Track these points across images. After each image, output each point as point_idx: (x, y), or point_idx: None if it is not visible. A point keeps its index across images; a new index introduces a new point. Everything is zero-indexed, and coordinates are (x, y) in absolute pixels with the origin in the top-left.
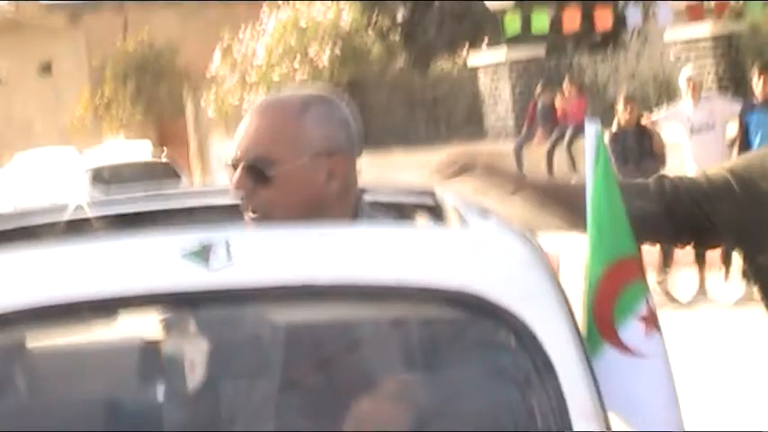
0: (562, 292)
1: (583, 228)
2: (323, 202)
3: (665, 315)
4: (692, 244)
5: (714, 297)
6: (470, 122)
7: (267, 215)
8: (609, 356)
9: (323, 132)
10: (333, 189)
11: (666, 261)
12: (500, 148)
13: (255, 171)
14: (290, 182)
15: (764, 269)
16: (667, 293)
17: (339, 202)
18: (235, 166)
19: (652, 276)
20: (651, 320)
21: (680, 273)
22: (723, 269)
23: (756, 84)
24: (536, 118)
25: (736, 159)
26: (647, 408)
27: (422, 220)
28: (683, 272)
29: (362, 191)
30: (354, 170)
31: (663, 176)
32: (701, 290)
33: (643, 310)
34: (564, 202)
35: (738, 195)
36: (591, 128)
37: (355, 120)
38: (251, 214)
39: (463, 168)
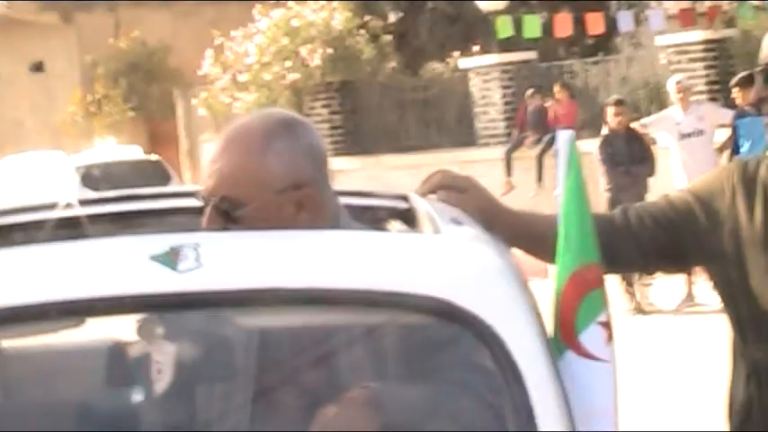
0: (533, 300)
1: (554, 261)
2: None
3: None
4: (662, 270)
5: (701, 303)
6: (461, 125)
7: None
8: (569, 360)
9: (287, 167)
10: (303, 220)
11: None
12: (490, 152)
13: (222, 212)
14: (259, 219)
15: (726, 285)
16: (647, 302)
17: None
18: (204, 205)
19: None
20: (610, 327)
21: (668, 279)
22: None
23: (736, 96)
24: (526, 122)
25: (697, 180)
26: (598, 411)
27: (394, 226)
28: (671, 278)
29: (341, 208)
30: (327, 193)
31: (627, 207)
32: (689, 296)
33: (604, 317)
34: (534, 239)
35: (698, 215)
36: (564, 135)
37: (320, 140)
38: None
39: (440, 186)
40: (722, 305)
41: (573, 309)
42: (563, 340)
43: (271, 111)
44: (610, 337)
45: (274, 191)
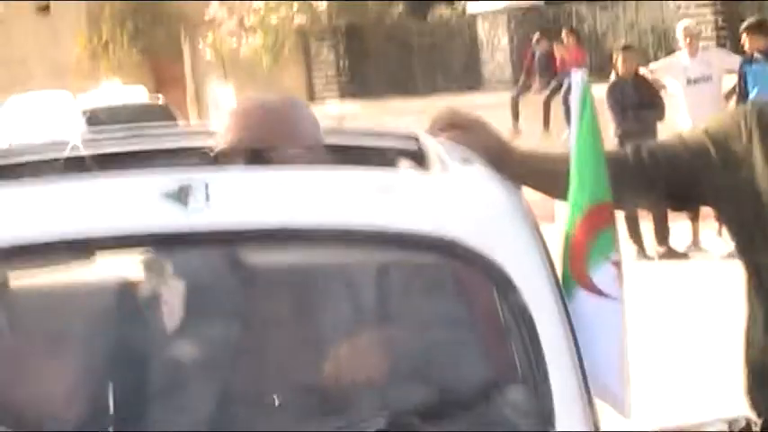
0: (542, 240)
1: (565, 197)
2: None
3: (661, 266)
4: (673, 207)
5: (707, 249)
6: (468, 70)
7: None
8: (580, 298)
9: (311, 127)
10: None
11: (662, 217)
12: (497, 97)
13: (255, 156)
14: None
15: (742, 229)
16: (667, 245)
17: None
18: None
19: (648, 226)
20: (620, 266)
21: (675, 225)
22: (717, 223)
23: (744, 41)
24: (534, 67)
25: (711, 120)
26: (607, 347)
27: (403, 165)
28: (678, 224)
29: None
30: None
31: (640, 144)
32: (695, 241)
33: (614, 256)
34: (545, 176)
35: (713, 155)
36: (577, 76)
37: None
38: None
39: (449, 124)
40: (736, 248)
41: (585, 246)
42: (574, 278)
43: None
44: (620, 277)
45: (304, 144)
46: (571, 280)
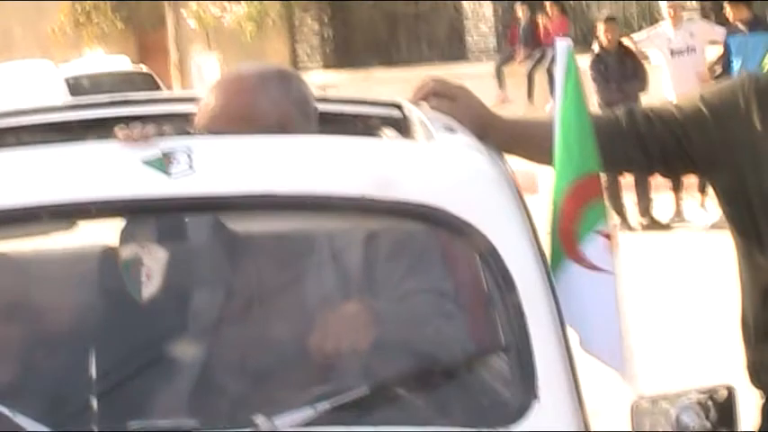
0: (526, 209)
1: (550, 162)
2: None
3: (643, 237)
4: (663, 172)
5: (690, 220)
6: (452, 40)
7: None
8: (572, 272)
9: (275, 108)
10: None
11: (645, 188)
12: (481, 68)
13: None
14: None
15: (732, 196)
16: (650, 216)
17: None
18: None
19: (631, 197)
20: (611, 237)
21: (658, 196)
22: (700, 194)
23: (727, 12)
24: (518, 37)
25: (707, 88)
26: (603, 320)
27: (387, 133)
28: (661, 195)
29: None
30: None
31: (633, 107)
32: (678, 213)
33: (605, 227)
34: (532, 143)
35: (710, 123)
36: (562, 45)
37: (312, 96)
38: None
39: (433, 93)
40: (726, 217)
41: (574, 219)
42: (565, 251)
43: (264, 64)
44: (612, 248)
45: (259, 128)
46: (562, 254)
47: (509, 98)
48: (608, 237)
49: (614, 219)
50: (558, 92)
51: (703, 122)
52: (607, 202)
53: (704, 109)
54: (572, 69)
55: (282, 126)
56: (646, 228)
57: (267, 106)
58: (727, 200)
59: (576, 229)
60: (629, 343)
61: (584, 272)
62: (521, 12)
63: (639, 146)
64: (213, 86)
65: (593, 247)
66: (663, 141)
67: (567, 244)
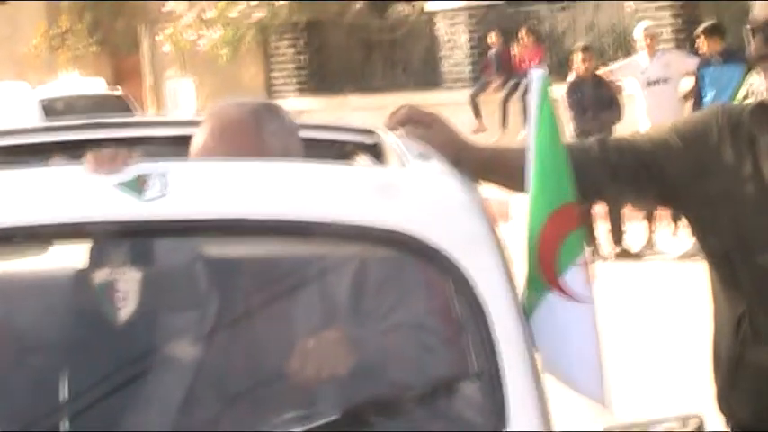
0: (498, 237)
1: (524, 190)
2: None
3: (615, 266)
4: (634, 203)
5: (662, 250)
6: (427, 68)
7: None
8: (553, 302)
9: (281, 144)
10: None
11: (618, 217)
12: (455, 96)
13: None
14: None
15: (705, 226)
16: (622, 246)
17: None
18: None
19: (604, 227)
20: (589, 268)
21: (630, 225)
22: (672, 223)
23: (701, 44)
24: (491, 66)
25: (679, 119)
26: (582, 350)
27: (361, 160)
28: (633, 224)
29: None
30: None
31: (605, 137)
32: (650, 242)
33: (583, 257)
34: (505, 170)
35: (681, 153)
36: (537, 74)
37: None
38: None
39: (406, 121)
40: (701, 246)
41: (554, 250)
42: (545, 282)
43: (245, 99)
44: (589, 278)
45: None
46: (542, 284)
47: (485, 127)
48: (586, 266)
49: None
50: (533, 121)
51: (675, 153)
52: (583, 231)
53: (676, 139)
54: (546, 98)
55: (289, 156)
56: (618, 257)
57: (273, 144)
58: (700, 230)
59: (557, 259)
60: (605, 372)
61: (565, 302)
62: (494, 39)
63: (610, 176)
64: (211, 135)
65: (574, 278)
66: (634, 172)
67: (547, 274)
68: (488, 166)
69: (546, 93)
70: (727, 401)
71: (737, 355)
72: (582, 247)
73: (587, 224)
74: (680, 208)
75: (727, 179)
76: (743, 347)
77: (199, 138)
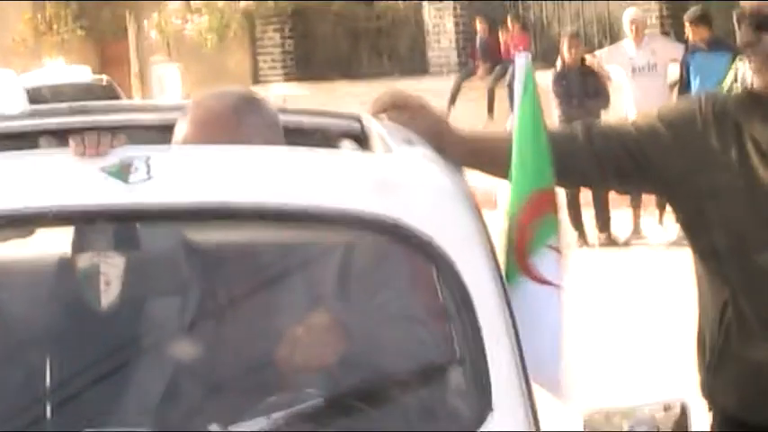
0: (483, 224)
1: (507, 177)
2: None
3: (601, 253)
4: (618, 189)
5: (648, 237)
6: (413, 54)
7: None
8: (522, 286)
9: (260, 138)
10: None
11: (603, 204)
12: (442, 82)
13: None
14: None
15: (690, 214)
16: (608, 233)
17: None
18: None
19: (589, 214)
20: (561, 251)
21: (616, 213)
22: (658, 211)
23: (688, 32)
24: (477, 53)
25: (665, 106)
26: (545, 335)
27: (346, 145)
28: (620, 212)
29: None
30: None
31: (591, 123)
32: (636, 230)
33: (556, 241)
34: (489, 156)
35: (667, 140)
36: (521, 59)
37: (275, 111)
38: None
39: (391, 106)
40: (684, 232)
41: (527, 232)
42: (517, 265)
43: (228, 89)
44: (561, 262)
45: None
46: (514, 267)
47: (455, 116)
48: (559, 251)
49: (572, 234)
50: (516, 105)
51: (660, 140)
52: (560, 217)
53: (661, 126)
54: (530, 83)
55: None
56: (603, 244)
57: (252, 138)
58: (685, 219)
59: (529, 243)
60: (567, 360)
61: (532, 286)
62: (480, 26)
63: (594, 162)
64: (191, 128)
65: (544, 262)
66: (618, 158)
67: (519, 257)
68: (472, 152)
69: (529, 78)
70: (710, 389)
71: (721, 344)
72: (555, 232)
73: (574, 211)
74: (666, 196)
75: (713, 169)
76: (726, 336)
77: (181, 128)
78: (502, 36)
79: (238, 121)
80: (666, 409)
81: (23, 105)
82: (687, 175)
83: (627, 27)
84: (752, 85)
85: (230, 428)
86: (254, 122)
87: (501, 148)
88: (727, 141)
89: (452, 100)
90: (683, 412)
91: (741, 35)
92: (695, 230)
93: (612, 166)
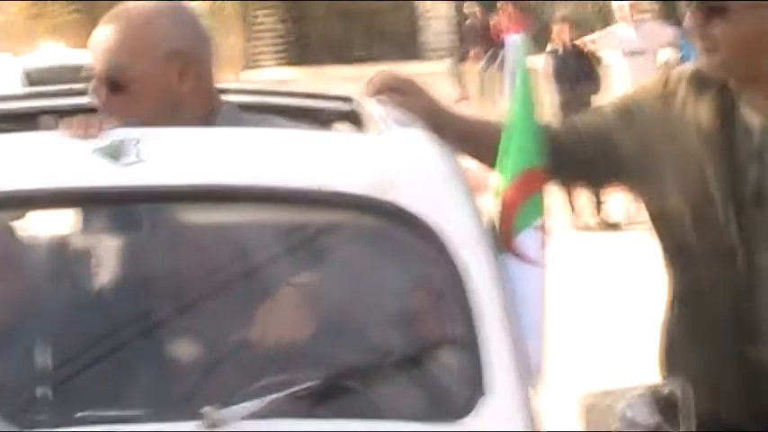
0: (476, 205)
1: (493, 166)
2: (176, 102)
3: (594, 236)
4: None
5: (641, 220)
6: (408, 38)
7: (122, 120)
8: (505, 264)
9: (168, 35)
10: (186, 89)
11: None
12: (435, 66)
13: (110, 80)
14: (143, 85)
15: (655, 204)
16: (601, 216)
17: (193, 101)
18: (91, 78)
19: (583, 197)
20: (545, 231)
21: (610, 197)
22: None
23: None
24: (470, 36)
25: (637, 87)
26: (525, 317)
27: (338, 127)
28: (612, 195)
29: (221, 91)
30: (209, 72)
31: (572, 120)
32: (628, 213)
33: (541, 221)
34: (480, 141)
35: (626, 128)
36: (513, 39)
37: (205, 30)
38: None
39: (384, 88)
40: (651, 219)
41: (513, 212)
42: (502, 244)
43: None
44: (545, 242)
45: (158, 56)
46: (498, 245)
47: (468, 96)
48: (544, 230)
49: (567, 216)
50: (508, 85)
51: (628, 121)
52: (558, 201)
53: (630, 106)
54: (522, 63)
55: (176, 48)
56: (597, 227)
57: (157, 33)
58: (649, 206)
59: (515, 222)
60: (545, 342)
61: (516, 265)
62: (474, 9)
63: (567, 158)
64: (107, 20)
65: (528, 240)
66: (585, 153)
67: (504, 235)
68: (464, 136)
69: (522, 58)
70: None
71: (672, 331)
72: (540, 211)
73: (569, 193)
74: (629, 181)
75: (666, 150)
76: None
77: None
78: (494, 18)
79: (148, 18)
80: (662, 389)
81: (19, 85)
82: (644, 160)
83: (619, 11)
84: (696, 64)
85: (224, 412)
86: (167, 20)
87: (492, 135)
88: (672, 120)
89: (459, 82)
90: (678, 393)
91: (689, 18)
92: (656, 217)
93: (580, 158)
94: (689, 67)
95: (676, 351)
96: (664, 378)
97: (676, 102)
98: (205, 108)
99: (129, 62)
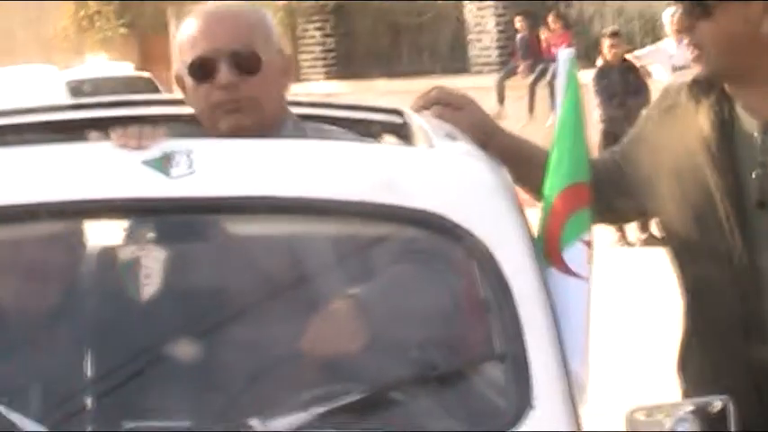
0: (525, 219)
1: (535, 196)
2: (280, 97)
3: (642, 252)
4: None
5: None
6: (454, 52)
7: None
8: (550, 277)
9: (276, 34)
10: (285, 86)
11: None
12: (483, 80)
13: (243, 62)
14: (272, 71)
15: (670, 231)
16: (649, 232)
17: (281, 98)
18: (203, 64)
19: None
20: (591, 246)
21: None
22: None
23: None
24: (518, 51)
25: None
26: (570, 330)
27: (388, 140)
28: None
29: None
30: None
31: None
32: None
33: (587, 235)
34: (526, 164)
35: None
36: (564, 54)
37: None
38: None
39: (436, 101)
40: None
41: (560, 225)
42: (547, 256)
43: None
44: (590, 257)
45: (277, 48)
46: (544, 258)
47: (506, 116)
48: (589, 245)
49: (613, 233)
50: (559, 100)
51: (636, 142)
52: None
53: (640, 126)
54: (573, 79)
55: (280, 50)
56: (644, 243)
57: (272, 27)
58: (664, 225)
59: (561, 235)
60: (588, 354)
61: (562, 278)
62: (519, 25)
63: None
64: (208, 17)
65: (574, 254)
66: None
67: (550, 248)
68: (513, 155)
69: (573, 73)
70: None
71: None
72: (588, 226)
73: None
74: (650, 210)
75: (671, 160)
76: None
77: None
78: (543, 34)
79: (258, 13)
80: (709, 406)
81: (64, 96)
82: (658, 182)
83: (667, 25)
84: (693, 72)
85: (269, 423)
86: (269, 20)
87: (540, 160)
88: (675, 133)
89: (500, 99)
90: (725, 410)
91: (676, 22)
92: (671, 233)
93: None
94: (688, 77)
95: (689, 354)
96: (680, 379)
97: (677, 112)
98: (282, 113)
99: (263, 46)
